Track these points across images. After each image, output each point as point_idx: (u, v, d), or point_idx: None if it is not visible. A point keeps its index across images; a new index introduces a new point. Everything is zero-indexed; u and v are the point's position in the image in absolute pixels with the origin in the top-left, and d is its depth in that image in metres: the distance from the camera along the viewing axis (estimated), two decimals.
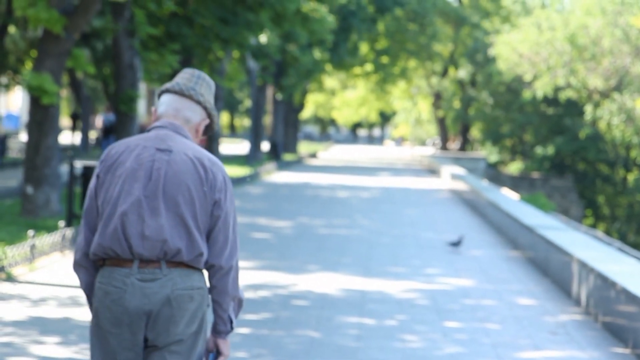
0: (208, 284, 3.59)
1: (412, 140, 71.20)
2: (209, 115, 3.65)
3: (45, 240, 11.04)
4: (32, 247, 10.53)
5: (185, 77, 3.63)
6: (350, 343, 7.49)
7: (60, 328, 7.58)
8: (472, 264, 12.27)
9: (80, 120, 42.76)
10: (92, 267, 3.57)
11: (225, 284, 3.53)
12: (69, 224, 13.03)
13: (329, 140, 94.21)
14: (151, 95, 64.49)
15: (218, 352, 3.59)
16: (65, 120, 65.95)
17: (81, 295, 8.97)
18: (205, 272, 3.60)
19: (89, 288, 3.60)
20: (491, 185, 25.09)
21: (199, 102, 3.61)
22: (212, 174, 3.51)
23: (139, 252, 3.43)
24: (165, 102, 3.61)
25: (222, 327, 3.57)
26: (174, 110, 3.60)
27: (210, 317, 3.66)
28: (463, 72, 56.49)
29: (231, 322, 3.57)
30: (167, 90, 3.62)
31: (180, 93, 3.60)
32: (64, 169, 18.86)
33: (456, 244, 13.42)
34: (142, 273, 3.43)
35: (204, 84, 3.63)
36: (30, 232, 10.65)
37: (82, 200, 13.48)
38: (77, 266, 3.59)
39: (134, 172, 3.47)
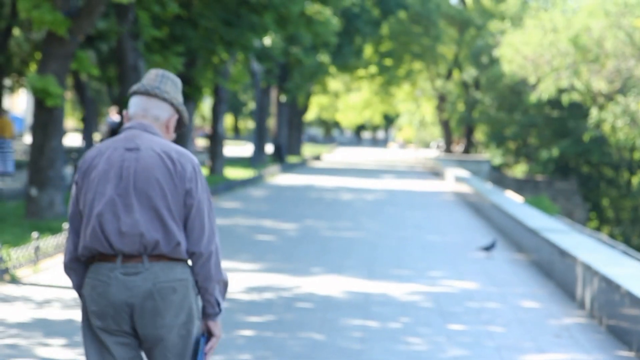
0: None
1: (416, 142, 71.16)
2: (178, 111, 3.82)
3: (49, 242, 11.05)
4: (37, 248, 10.54)
5: (150, 77, 3.81)
6: (354, 345, 7.49)
7: (64, 330, 7.58)
8: (476, 267, 12.25)
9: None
10: (81, 268, 3.75)
11: (208, 270, 3.67)
12: None
13: (333, 143, 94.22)
14: None
15: (210, 334, 3.74)
16: (72, 123, 65.94)
17: None
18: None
19: (80, 288, 3.78)
20: (495, 188, 25.07)
21: (165, 100, 3.77)
22: (181, 165, 3.66)
23: (119, 248, 3.61)
24: (134, 104, 3.78)
25: (210, 310, 3.72)
26: (142, 110, 3.77)
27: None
28: (467, 75, 56.45)
29: (219, 304, 3.73)
30: (135, 92, 3.80)
31: (146, 93, 3.77)
32: (68, 170, 18.88)
33: (489, 248, 13.19)
34: (125, 267, 3.60)
35: (168, 82, 3.80)
36: (35, 234, 10.66)
37: None
38: (67, 269, 3.78)
39: (106, 174, 3.65)
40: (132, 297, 3.59)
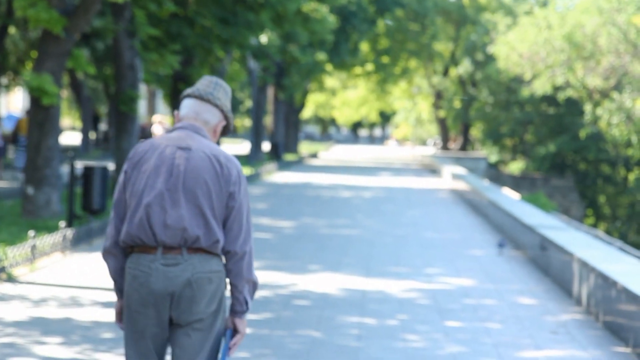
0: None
1: (413, 140, 71.14)
2: (226, 117, 4.08)
3: (45, 240, 11.04)
4: (33, 247, 10.54)
5: (205, 83, 4.06)
6: (351, 343, 7.49)
7: (61, 328, 7.58)
8: (473, 264, 12.27)
9: (100, 121, 43.20)
10: (120, 254, 3.95)
11: (241, 268, 3.93)
12: (69, 224, 13.02)
13: (330, 140, 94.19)
14: (152, 96, 64.46)
15: (235, 330, 3.97)
16: (68, 121, 65.87)
17: (82, 295, 8.98)
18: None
19: (117, 274, 3.98)
20: (492, 185, 25.08)
21: (216, 106, 4.03)
22: (227, 169, 3.91)
23: (162, 239, 3.84)
24: (187, 106, 4.04)
25: (238, 308, 3.96)
26: (194, 113, 4.02)
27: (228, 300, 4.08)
28: (463, 70, 56.37)
29: (246, 302, 3.96)
30: (188, 95, 4.05)
31: (199, 97, 4.02)
32: (65, 169, 18.87)
33: (501, 245, 13.49)
34: (165, 259, 3.84)
35: (221, 90, 4.06)
36: (31, 233, 10.65)
37: (83, 201, 13.50)
38: (107, 253, 3.98)
39: (157, 168, 3.88)
40: (172, 286, 3.83)
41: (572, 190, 46.39)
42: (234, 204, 3.90)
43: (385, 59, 55.08)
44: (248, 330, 7.72)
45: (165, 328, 3.89)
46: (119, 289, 4.01)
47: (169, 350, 3.98)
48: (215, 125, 4.04)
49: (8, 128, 32.84)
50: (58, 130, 14.92)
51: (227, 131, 4.10)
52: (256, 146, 39.31)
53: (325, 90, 66.26)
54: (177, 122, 4.05)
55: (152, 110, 66.23)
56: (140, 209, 3.85)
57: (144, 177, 3.89)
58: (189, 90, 4.07)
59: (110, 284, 8.34)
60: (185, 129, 3.98)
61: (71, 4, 14.76)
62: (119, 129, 19.57)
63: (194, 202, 3.85)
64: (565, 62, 39.43)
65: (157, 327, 3.87)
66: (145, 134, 28.75)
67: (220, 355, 3.93)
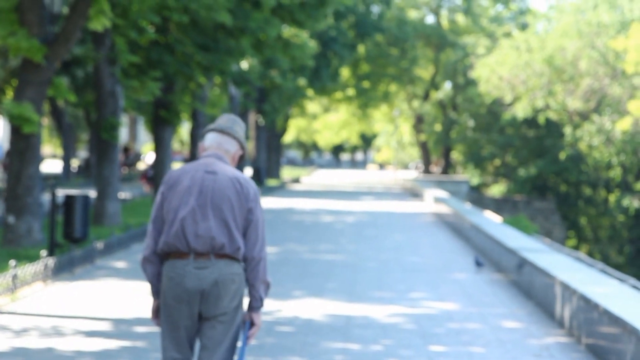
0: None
1: (395, 163, 71.32)
2: (242, 147, 5.00)
3: (27, 270, 10.97)
4: (14, 277, 10.46)
5: (224, 119, 5.00)
6: None
7: (43, 358, 7.52)
8: (456, 288, 12.27)
9: (130, 152, 43.21)
10: (157, 261, 4.81)
11: (258, 271, 4.78)
12: (51, 253, 12.95)
13: (312, 165, 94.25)
14: (133, 123, 64.34)
15: (252, 323, 4.81)
16: (49, 149, 65.52)
17: (64, 325, 8.93)
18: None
19: (154, 277, 4.82)
20: (474, 208, 25.14)
21: (235, 138, 4.96)
22: (246, 189, 4.81)
23: (194, 246, 4.70)
24: (210, 138, 4.96)
25: (255, 304, 4.82)
26: (217, 143, 4.94)
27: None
28: (443, 94, 56.63)
29: (261, 299, 4.81)
30: (212, 130, 4.97)
31: (221, 131, 4.96)
32: (46, 197, 18.78)
33: (479, 264, 13.96)
34: (197, 263, 4.70)
35: (237, 125, 5.00)
36: (12, 262, 10.58)
37: (65, 229, 13.43)
38: (146, 261, 4.81)
39: (190, 189, 4.77)
40: (202, 285, 4.68)
41: (554, 212, 46.55)
42: (252, 217, 4.78)
43: (366, 84, 55.28)
44: None
45: (195, 321, 4.71)
46: (155, 292, 4.83)
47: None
48: (234, 153, 4.96)
49: None
50: (39, 159, 14.87)
51: (242, 159, 5.01)
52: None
53: (307, 115, 66.37)
54: (202, 152, 4.94)
55: (133, 137, 66.05)
56: (176, 222, 4.71)
57: (178, 195, 4.76)
58: (211, 126, 4.98)
59: (96, 311, 8.44)
60: (211, 156, 4.88)
61: (51, 32, 14.76)
62: (100, 157, 19.52)
63: (220, 216, 4.72)
64: (545, 86, 39.72)
65: (189, 320, 4.70)
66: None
67: (240, 344, 4.75)
